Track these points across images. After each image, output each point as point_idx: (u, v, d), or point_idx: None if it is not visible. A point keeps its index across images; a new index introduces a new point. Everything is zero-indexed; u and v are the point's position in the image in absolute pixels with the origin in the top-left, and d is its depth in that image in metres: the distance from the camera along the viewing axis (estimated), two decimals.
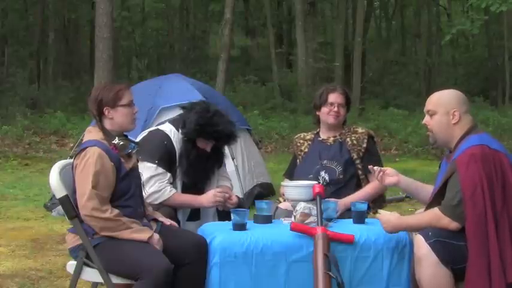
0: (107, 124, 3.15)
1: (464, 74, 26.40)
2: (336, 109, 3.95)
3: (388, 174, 3.34)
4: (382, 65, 25.37)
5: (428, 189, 3.27)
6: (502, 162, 2.95)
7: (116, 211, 3.02)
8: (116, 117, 3.13)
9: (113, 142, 3.11)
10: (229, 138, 3.73)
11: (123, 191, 3.11)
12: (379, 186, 3.87)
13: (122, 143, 3.12)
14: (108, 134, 3.13)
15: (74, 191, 3.08)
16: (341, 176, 3.85)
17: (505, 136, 12.87)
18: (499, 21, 20.09)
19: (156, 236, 3.09)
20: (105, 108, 3.12)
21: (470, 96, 19.90)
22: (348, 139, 3.95)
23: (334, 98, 3.97)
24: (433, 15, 24.30)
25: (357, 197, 3.72)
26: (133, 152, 3.23)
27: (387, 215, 3.14)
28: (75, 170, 3.07)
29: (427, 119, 3.17)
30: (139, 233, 3.03)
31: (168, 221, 3.36)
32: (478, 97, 19.74)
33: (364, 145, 3.93)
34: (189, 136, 3.62)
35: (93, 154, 3.02)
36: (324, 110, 3.98)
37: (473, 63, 26.35)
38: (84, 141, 3.16)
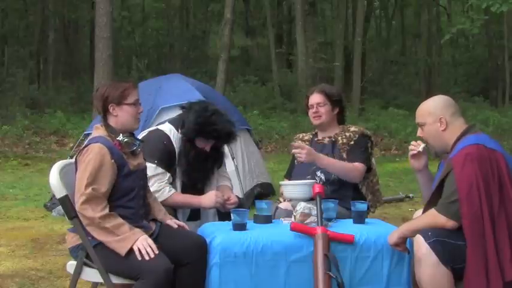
0: (111, 121, 3.15)
1: (464, 74, 26.44)
2: (315, 109, 3.96)
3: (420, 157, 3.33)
4: (382, 65, 25.39)
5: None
6: (498, 161, 2.95)
7: (105, 212, 2.97)
8: (120, 115, 3.14)
9: (117, 139, 3.11)
10: (229, 137, 3.72)
11: (126, 191, 3.10)
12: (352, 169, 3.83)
13: (126, 140, 3.12)
14: (112, 131, 3.13)
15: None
16: (337, 177, 3.85)
17: (505, 136, 12.88)
18: (499, 21, 20.09)
19: (141, 240, 2.98)
20: (110, 105, 3.12)
21: (470, 96, 19.99)
22: (340, 138, 3.94)
23: (312, 99, 3.99)
24: (433, 15, 24.30)
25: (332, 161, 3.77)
26: (139, 150, 3.22)
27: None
28: (77, 166, 3.08)
29: (419, 132, 3.21)
30: (121, 242, 2.96)
31: (174, 224, 3.35)
32: (478, 97, 19.77)
33: (352, 142, 3.91)
34: (188, 135, 3.61)
35: (92, 150, 3.02)
36: (309, 113, 4.01)
37: (473, 63, 26.40)
38: (90, 137, 3.16)
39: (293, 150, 3.81)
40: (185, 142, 3.63)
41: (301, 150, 3.74)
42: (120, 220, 3.00)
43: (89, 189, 2.96)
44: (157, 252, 2.96)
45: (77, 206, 2.98)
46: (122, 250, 2.96)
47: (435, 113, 3.12)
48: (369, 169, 3.94)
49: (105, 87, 3.17)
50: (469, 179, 2.89)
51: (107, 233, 2.97)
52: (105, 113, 3.16)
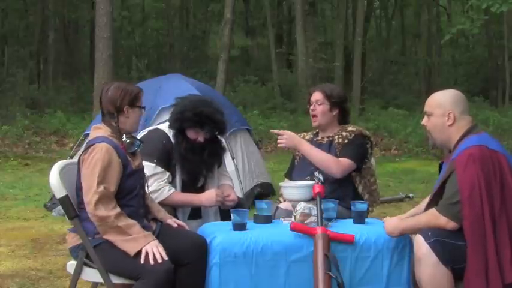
0: (121, 122, 3.18)
1: (464, 74, 26.42)
2: (312, 107, 3.94)
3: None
4: (382, 65, 25.39)
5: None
6: (500, 162, 2.95)
7: (117, 211, 3.00)
8: (131, 117, 3.18)
9: (122, 139, 3.14)
10: (213, 121, 3.62)
11: (128, 190, 3.12)
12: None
13: (128, 140, 3.17)
14: (117, 132, 3.15)
15: (79, 188, 3.08)
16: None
17: (505, 136, 12.87)
18: (499, 21, 20.08)
19: (152, 245, 3.01)
20: (125, 107, 3.15)
21: (470, 96, 19.95)
22: (336, 137, 3.90)
23: (313, 96, 3.97)
24: (433, 15, 24.30)
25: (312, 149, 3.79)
26: (139, 150, 3.26)
27: (389, 218, 3.16)
28: (82, 165, 3.08)
29: (425, 120, 3.19)
30: (131, 242, 2.98)
31: (174, 224, 3.36)
32: (478, 97, 19.74)
33: (346, 141, 3.85)
34: (174, 127, 3.63)
35: (100, 149, 3.03)
36: (309, 110, 3.99)
37: (473, 63, 26.38)
38: (91, 137, 3.17)
39: (278, 142, 3.84)
40: (176, 135, 3.63)
41: (282, 136, 3.77)
42: (131, 220, 3.02)
43: (101, 188, 2.97)
44: (166, 258, 2.96)
45: (90, 207, 2.97)
46: (132, 250, 2.96)
47: (445, 106, 3.11)
48: (357, 169, 3.86)
49: (120, 88, 3.18)
50: (471, 180, 2.88)
51: (118, 231, 2.98)
52: (117, 113, 3.16)
